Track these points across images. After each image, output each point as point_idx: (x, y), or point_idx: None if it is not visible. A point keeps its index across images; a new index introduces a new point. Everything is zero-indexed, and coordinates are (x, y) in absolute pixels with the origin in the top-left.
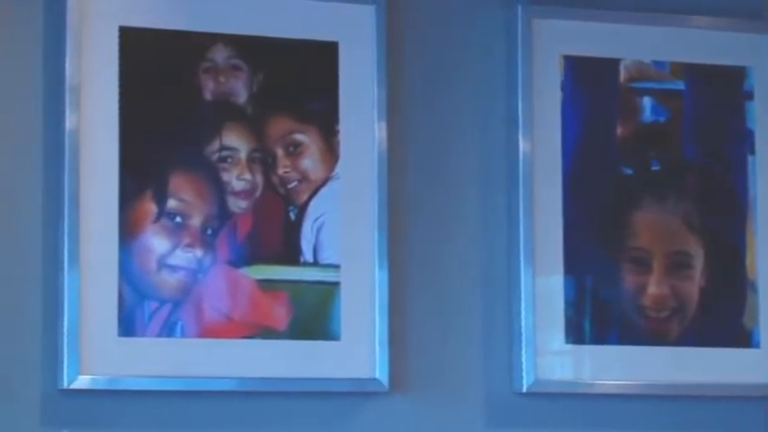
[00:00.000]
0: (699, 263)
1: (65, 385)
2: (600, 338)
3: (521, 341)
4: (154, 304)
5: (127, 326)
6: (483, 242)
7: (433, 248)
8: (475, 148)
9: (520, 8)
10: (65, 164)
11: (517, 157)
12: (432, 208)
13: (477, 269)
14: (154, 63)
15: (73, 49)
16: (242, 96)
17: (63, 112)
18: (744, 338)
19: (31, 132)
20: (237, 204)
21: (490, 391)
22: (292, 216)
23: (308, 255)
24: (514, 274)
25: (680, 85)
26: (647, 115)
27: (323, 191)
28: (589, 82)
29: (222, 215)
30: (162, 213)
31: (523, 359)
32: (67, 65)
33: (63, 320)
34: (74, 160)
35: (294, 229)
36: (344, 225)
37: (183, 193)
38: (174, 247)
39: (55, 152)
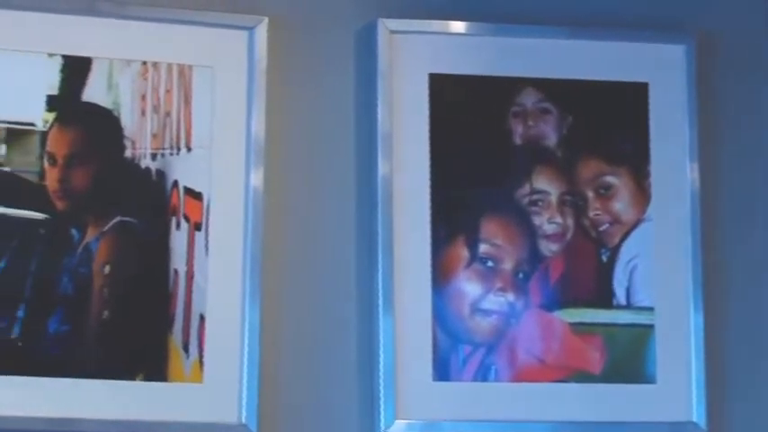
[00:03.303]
0: None
1: (382, 429)
2: None
3: None
4: (467, 348)
5: (442, 370)
6: None
7: (749, 290)
8: None
9: None
10: (378, 210)
11: None
12: (748, 249)
13: None
14: (463, 108)
15: (384, 97)
16: (552, 139)
17: (375, 159)
18: None
19: (345, 179)
20: (549, 248)
21: None
22: (604, 258)
23: (621, 297)
24: None
25: None
26: None
27: (635, 233)
28: None
29: (534, 259)
30: (474, 258)
31: None
32: (379, 112)
33: (379, 365)
34: (386, 206)
35: (606, 272)
36: (658, 267)
37: (495, 238)
38: (487, 292)
39: (368, 199)
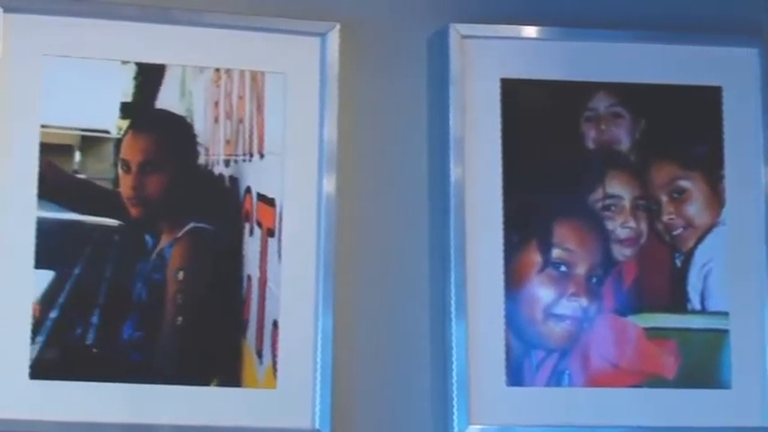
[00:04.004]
0: None
1: None
2: None
3: None
4: (541, 354)
5: (515, 375)
6: None
7: None
8: None
9: None
10: (450, 215)
11: None
12: None
13: None
14: (535, 113)
15: (456, 102)
16: (624, 144)
17: (448, 164)
18: None
19: (417, 184)
20: (622, 252)
21: None
22: (678, 263)
23: (695, 302)
24: None
25: None
26: None
27: (709, 237)
28: None
29: (607, 263)
30: (547, 263)
31: None
32: (451, 117)
33: (452, 371)
34: (459, 211)
35: (680, 277)
36: (732, 272)
37: (568, 243)
38: (560, 297)
39: (440, 203)
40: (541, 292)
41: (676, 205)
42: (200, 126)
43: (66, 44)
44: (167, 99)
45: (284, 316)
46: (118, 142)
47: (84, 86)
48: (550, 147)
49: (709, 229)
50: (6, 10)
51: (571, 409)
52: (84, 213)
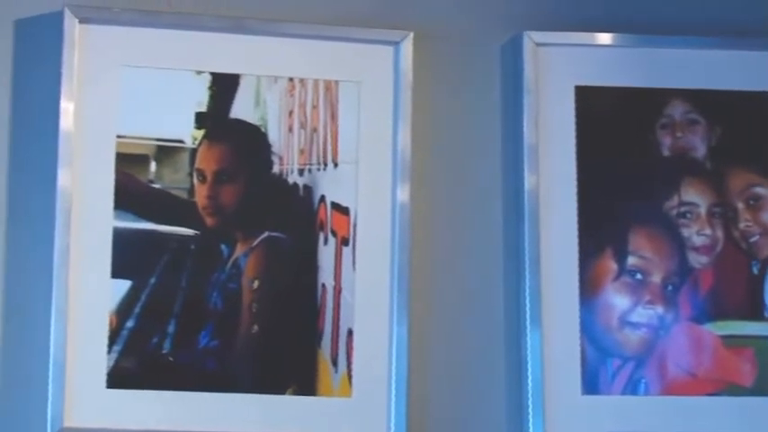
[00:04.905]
0: None
1: None
2: None
3: None
4: (616, 362)
5: (590, 384)
6: None
7: None
8: None
9: None
10: (524, 223)
11: None
12: None
13: None
14: (610, 120)
15: (530, 110)
16: (700, 151)
17: (522, 172)
18: None
19: (491, 192)
20: (698, 260)
21: None
22: (755, 270)
23: None
24: None
25: None
26: None
27: None
28: None
29: (683, 271)
30: (622, 270)
31: None
32: (525, 125)
33: (527, 379)
34: (533, 219)
35: (757, 284)
36: None
37: (643, 250)
38: (636, 305)
39: (515, 212)
40: (617, 299)
41: (753, 212)
42: (275, 135)
43: (142, 55)
44: (242, 109)
45: (359, 324)
46: (193, 152)
47: (159, 97)
48: (625, 154)
49: None
50: (82, 21)
51: (647, 418)
52: (159, 223)
